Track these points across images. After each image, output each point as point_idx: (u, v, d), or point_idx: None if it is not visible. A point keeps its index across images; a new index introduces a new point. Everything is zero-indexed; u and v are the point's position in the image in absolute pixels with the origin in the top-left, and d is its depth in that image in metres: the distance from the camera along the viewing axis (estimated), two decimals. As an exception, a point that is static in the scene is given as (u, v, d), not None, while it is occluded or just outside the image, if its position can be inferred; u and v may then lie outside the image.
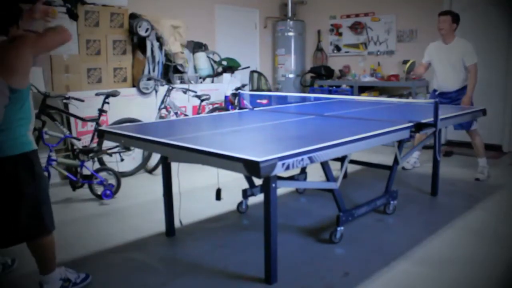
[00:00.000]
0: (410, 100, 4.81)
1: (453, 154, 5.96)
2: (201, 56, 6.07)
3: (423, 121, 3.34)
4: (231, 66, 6.16)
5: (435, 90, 4.93)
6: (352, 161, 4.13)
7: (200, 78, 6.07)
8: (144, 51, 5.29)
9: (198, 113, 5.54)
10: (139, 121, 4.78)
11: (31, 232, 2.29)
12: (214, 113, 5.47)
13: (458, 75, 4.68)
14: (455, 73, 4.68)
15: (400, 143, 3.62)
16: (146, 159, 5.10)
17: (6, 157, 2.18)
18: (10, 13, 2.31)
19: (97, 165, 4.42)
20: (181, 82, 5.69)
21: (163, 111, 5.21)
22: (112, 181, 4.20)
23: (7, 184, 2.21)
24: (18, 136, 2.22)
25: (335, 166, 3.38)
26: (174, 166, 3.28)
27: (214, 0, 7.07)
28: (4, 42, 2.23)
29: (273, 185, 2.45)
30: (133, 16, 5.33)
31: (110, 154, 4.49)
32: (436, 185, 4.18)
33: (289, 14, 7.94)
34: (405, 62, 5.38)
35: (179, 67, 5.67)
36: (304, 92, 7.75)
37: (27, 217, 2.24)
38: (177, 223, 3.33)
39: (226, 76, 6.17)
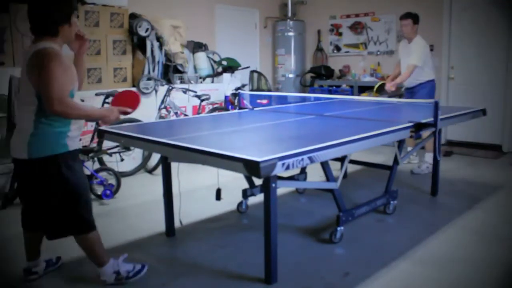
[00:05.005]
0: (410, 100, 4.81)
1: (453, 154, 5.96)
2: (201, 56, 6.07)
3: (423, 121, 3.34)
4: (231, 66, 6.16)
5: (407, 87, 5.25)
6: (352, 161, 4.12)
7: (200, 78, 6.06)
8: (144, 51, 5.29)
9: (198, 113, 5.54)
10: (139, 121, 4.77)
11: (66, 228, 2.41)
12: (214, 113, 5.47)
13: (415, 71, 4.93)
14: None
15: (400, 143, 3.62)
16: (146, 159, 5.10)
17: (36, 159, 2.26)
18: (59, 12, 2.26)
19: (97, 165, 4.42)
20: (181, 82, 5.69)
21: (163, 111, 5.21)
22: (112, 181, 4.19)
23: (39, 183, 2.33)
24: (46, 139, 2.26)
25: (335, 166, 3.38)
26: (174, 166, 3.28)
27: (214, 0, 7.07)
28: (47, 50, 2.18)
29: (273, 185, 2.45)
30: (133, 16, 5.33)
31: (110, 154, 4.49)
32: (436, 185, 4.18)
33: (289, 14, 7.93)
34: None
35: (179, 67, 5.67)
36: (304, 92, 7.75)
37: (59, 215, 2.37)
38: (177, 223, 3.33)
39: (226, 76, 6.17)
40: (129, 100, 2.54)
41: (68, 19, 2.30)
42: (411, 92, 5.12)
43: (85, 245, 2.48)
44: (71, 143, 2.34)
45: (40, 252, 2.68)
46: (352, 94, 6.92)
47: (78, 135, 2.41)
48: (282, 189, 4.21)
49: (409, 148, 5.13)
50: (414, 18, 4.99)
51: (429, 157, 4.91)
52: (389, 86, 5.07)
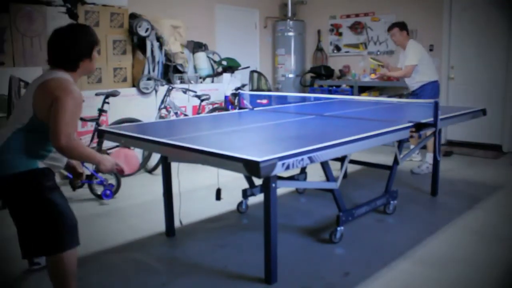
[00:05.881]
0: (410, 100, 4.82)
1: (453, 154, 5.96)
2: (201, 56, 6.07)
3: (423, 121, 3.34)
4: (231, 66, 6.16)
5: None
6: (352, 161, 4.13)
7: (200, 78, 6.06)
8: (144, 51, 5.28)
9: (198, 113, 5.54)
10: (139, 121, 4.78)
11: (39, 247, 2.15)
12: (214, 113, 5.47)
13: (412, 75, 5.03)
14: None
15: (400, 143, 3.62)
16: (146, 159, 5.10)
17: (12, 174, 2.07)
18: (82, 47, 2.18)
19: (97, 165, 4.41)
20: (181, 82, 5.69)
21: (163, 111, 5.21)
22: (112, 181, 4.20)
23: (15, 200, 2.14)
24: (12, 157, 2.07)
25: (335, 166, 3.38)
26: (174, 166, 3.28)
27: (214, 0, 7.07)
28: (61, 80, 2.09)
29: (273, 185, 2.45)
30: (133, 16, 5.33)
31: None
32: (436, 185, 4.17)
33: (289, 14, 7.93)
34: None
35: (179, 67, 5.67)
36: (304, 92, 7.75)
37: (36, 232, 2.13)
38: (177, 223, 3.33)
39: (226, 76, 6.17)
40: (128, 161, 2.41)
41: (90, 53, 2.23)
42: (414, 95, 5.13)
43: (59, 267, 2.14)
44: (42, 165, 2.13)
45: None
46: (352, 94, 6.92)
47: (57, 165, 2.23)
48: (282, 189, 4.21)
49: (412, 147, 5.16)
50: (399, 25, 5.08)
51: (429, 157, 4.91)
52: (372, 76, 5.36)
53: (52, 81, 2.10)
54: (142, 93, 5.19)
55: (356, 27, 7.57)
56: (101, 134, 3.19)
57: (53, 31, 2.21)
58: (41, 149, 2.13)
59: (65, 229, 2.14)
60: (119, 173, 2.33)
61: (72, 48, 2.17)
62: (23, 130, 2.10)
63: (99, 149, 4.36)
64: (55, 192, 2.16)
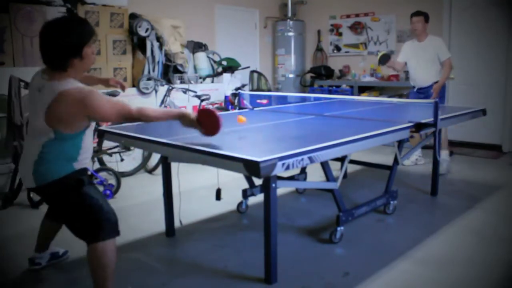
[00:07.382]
0: (410, 100, 4.81)
1: (453, 154, 5.95)
2: (201, 56, 6.07)
3: (423, 121, 3.34)
4: (231, 66, 6.16)
5: (414, 87, 5.26)
6: (352, 161, 4.12)
7: (200, 78, 6.07)
8: (144, 51, 5.29)
9: (198, 113, 5.53)
10: (139, 121, 4.78)
11: (83, 235, 2.23)
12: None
13: (432, 70, 5.01)
14: (429, 69, 5.03)
15: (400, 143, 3.62)
16: (146, 159, 5.10)
17: (44, 185, 2.17)
18: (68, 44, 2.07)
19: (97, 165, 4.42)
20: (181, 82, 5.69)
21: (163, 111, 5.20)
22: (112, 181, 4.20)
23: (59, 205, 2.29)
24: (51, 165, 2.16)
25: (335, 166, 3.38)
26: (174, 166, 3.28)
27: (214, 0, 7.07)
28: (76, 90, 2.05)
29: (273, 185, 2.45)
30: (133, 16, 5.33)
31: (110, 154, 4.49)
32: (436, 185, 4.18)
33: (289, 14, 7.94)
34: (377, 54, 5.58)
35: (179, 67, 5.67)
36: (304, 92, 7.75)
37: (79, 224, 2.23)
38: (177, 223, 3.33)
39: (226, 76, 6.17)
40: (207, 124, 2.55)
41: (79, 52, 2.09)
42: (424, 92, 5.08)
43: (99, 258, 2.20)
44: (77, 165, 2.24)
45: (49, 246, 2.77)
46: (352, 94, 6.92)
47: (86, 158, 2.31)
48: (282, 189, 4.21)
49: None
50: (425, 16, 5.02)
51: (444, 154, 4.92)
52: (437, 89, 4.92)
53: (65, 98, 2.04)
54: (142, 93, 5.19)
55: (356, 27, 7.57)
56: (101, 134, 3.19)
57: (43, 25, 2.11)
58: (74, 153, 2.21)
59: (104, 218, 2.20)
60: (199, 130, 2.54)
61: (57, 47, 2.06)
62: (52, 140, 2.13)
63: (99, 149, 4.36)
64: (90, 187, 2.26)
